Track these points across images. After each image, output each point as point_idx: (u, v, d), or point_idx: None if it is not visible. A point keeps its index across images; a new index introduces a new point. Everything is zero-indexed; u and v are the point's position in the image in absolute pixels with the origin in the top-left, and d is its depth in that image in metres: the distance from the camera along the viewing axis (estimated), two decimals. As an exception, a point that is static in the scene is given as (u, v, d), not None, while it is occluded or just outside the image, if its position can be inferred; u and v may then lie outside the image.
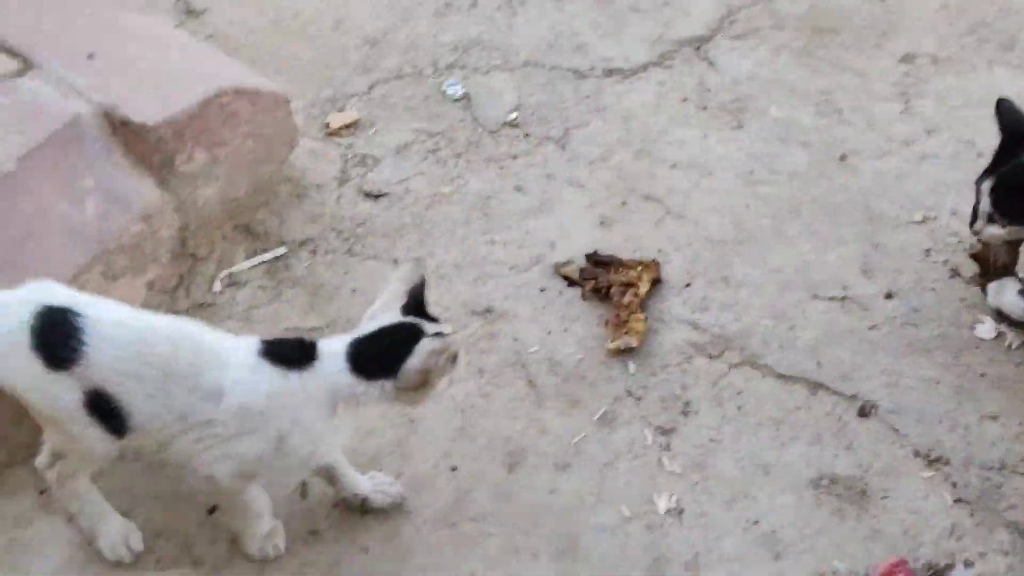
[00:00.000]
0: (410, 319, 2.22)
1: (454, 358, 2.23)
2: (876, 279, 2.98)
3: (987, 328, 2.86)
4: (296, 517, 2.46)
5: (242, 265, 2.89)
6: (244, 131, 2.82)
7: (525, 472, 2.56)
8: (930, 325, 2.87)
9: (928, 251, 3.04)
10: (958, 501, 2.53)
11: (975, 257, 2.96)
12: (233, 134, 2.79)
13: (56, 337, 2.14)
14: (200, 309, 2.81)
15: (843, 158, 3.31)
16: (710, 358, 2.79)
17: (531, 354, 2.77)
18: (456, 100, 3.42)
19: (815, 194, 3.19)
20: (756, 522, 2.49)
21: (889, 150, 3.33)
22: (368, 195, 3.11)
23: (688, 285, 2.94)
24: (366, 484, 2.45)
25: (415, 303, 2.27)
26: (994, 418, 2.67)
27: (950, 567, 2.40)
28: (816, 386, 2.74)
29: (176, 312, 2.78)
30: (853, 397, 2.71)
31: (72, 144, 2.56)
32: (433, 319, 2.26)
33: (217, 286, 2.84)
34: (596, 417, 2.67)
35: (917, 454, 2.61)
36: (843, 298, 2.93)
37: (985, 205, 2.73)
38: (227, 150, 2.79)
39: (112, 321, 2.17)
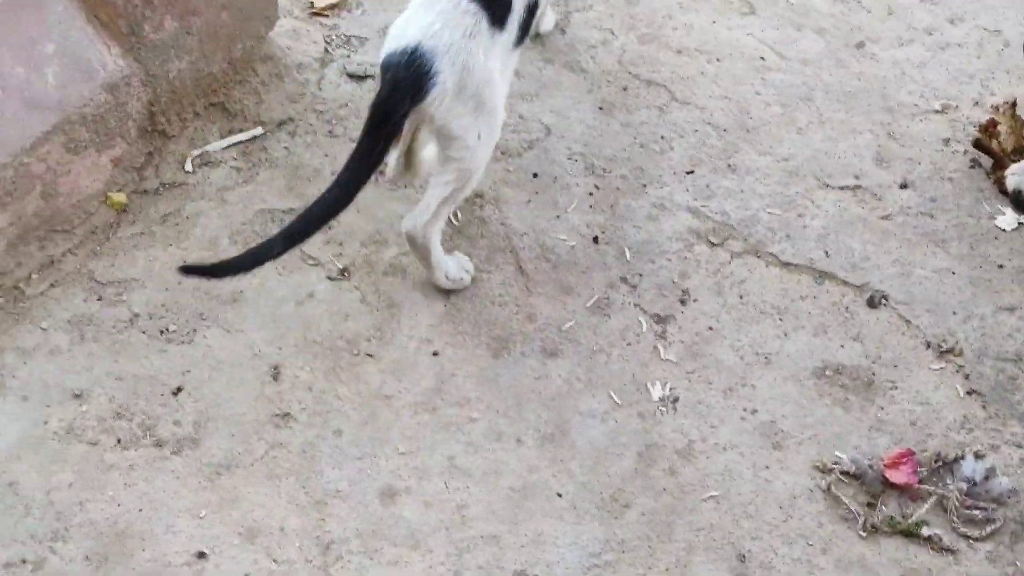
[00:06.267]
0: None
1: None
2: (891, 169, 2.82)
3: (1008, 219, 2.71)
4: (266, 400, 2.33)
5: (216, 144, 2.74)
6: (219, 1, 2.65)
7: (511, 358, 2.42)
8: (947, 216, 2.72)
9: (947, 140, 2.88)
10: (970, 393, 2.39)
11: (979, 147, 2.80)
12: (207, 4, 2.63)
13: None
14: (170, 189, 2.66)
15: (860, 45, 3.14)
16: (712, 246, 2.63)
17: (521, 239, 2.62)
18: (450, -19, 3.24)
19: (829, 82, 3.02)
20: (755, 411, 2.35)
21: (910, 38, 3.16)
22: (352, 76, 2.95)
23: (691, 172, 2.78)
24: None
25: None
26: (1011, 310, 2.52)
27: (960, 459, 2.26)
28: (823, 275, 2.58)
29: (144, 192, 2.64)
30: (862, 287, 2.56)
31: (31, 6, 2.40)
32: None
33: (188, 166, 2.69)
34: (588, 304, 2.52)
35: (928, 345, 2.46)
36: (855, 187, 2.77)
37: None
38: (200, 20, 2.63)
39: None
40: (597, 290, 2.54)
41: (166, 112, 2.64)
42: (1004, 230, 2.69)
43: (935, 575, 2.14)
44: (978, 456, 2.26)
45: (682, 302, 2.53)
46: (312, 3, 3.10)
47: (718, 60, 3.07)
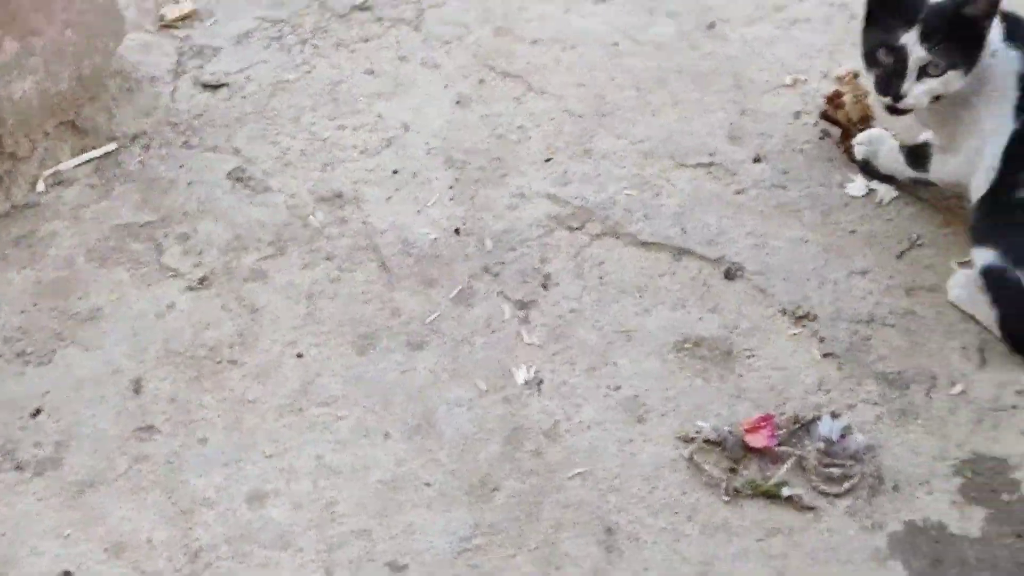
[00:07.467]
0: None
1: None
2: (744, 144, 2.88)
3: (858, 186, 2.77)
4: (128, 414, 2.31)
5: (68, 163, 2.71)
6: (61, 19, 2.63)
7: (376, 354, 2.43)
8: (799, 186, 2.78)
9: (798, 113, 2.95)
10: (826, 356, 2.45)
11: (826, 118, 2.87)
12: (48, 22, 2.60)
13: None
14: (22, 210, 2.64)
15: (711, 26, 3.20)
16: (571, 230, 2.67)
17: (383, 236, 2.64)
18: (302, -14, 3.25)
19: (682, 64, 3.08)
20: (618, 388, 2.39)
21: (759, 16, 3.23)
22: (206, 86, 2.94)
23: (548, 160, 2.82)
24: None
25: None
26: (863, 273, 2.59)
27: (816, 419, 2.31)
28: (681, 252, 2.63)
29: (-3, 214, 2.62)
30: (719, 260, 2.62)
31: None
32: None
33: (40, 186, 2.67)
34: (452, 295, 2.54)
35: (784, 312, 2.52)
36: (709, 164, 2.83)
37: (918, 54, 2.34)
38: (43, 40, 2.60)
39: None
40: (460, 281, 2.57)
41: (14, 134, 2.61)
42: (855, 196, 2.76)
43: (797, 532, 2.19)
44: (834, 416, 2.32)
45: (544, 287, 2.57)
46: (163, 16, 3.09)
47: (572, 48, 3.11)
